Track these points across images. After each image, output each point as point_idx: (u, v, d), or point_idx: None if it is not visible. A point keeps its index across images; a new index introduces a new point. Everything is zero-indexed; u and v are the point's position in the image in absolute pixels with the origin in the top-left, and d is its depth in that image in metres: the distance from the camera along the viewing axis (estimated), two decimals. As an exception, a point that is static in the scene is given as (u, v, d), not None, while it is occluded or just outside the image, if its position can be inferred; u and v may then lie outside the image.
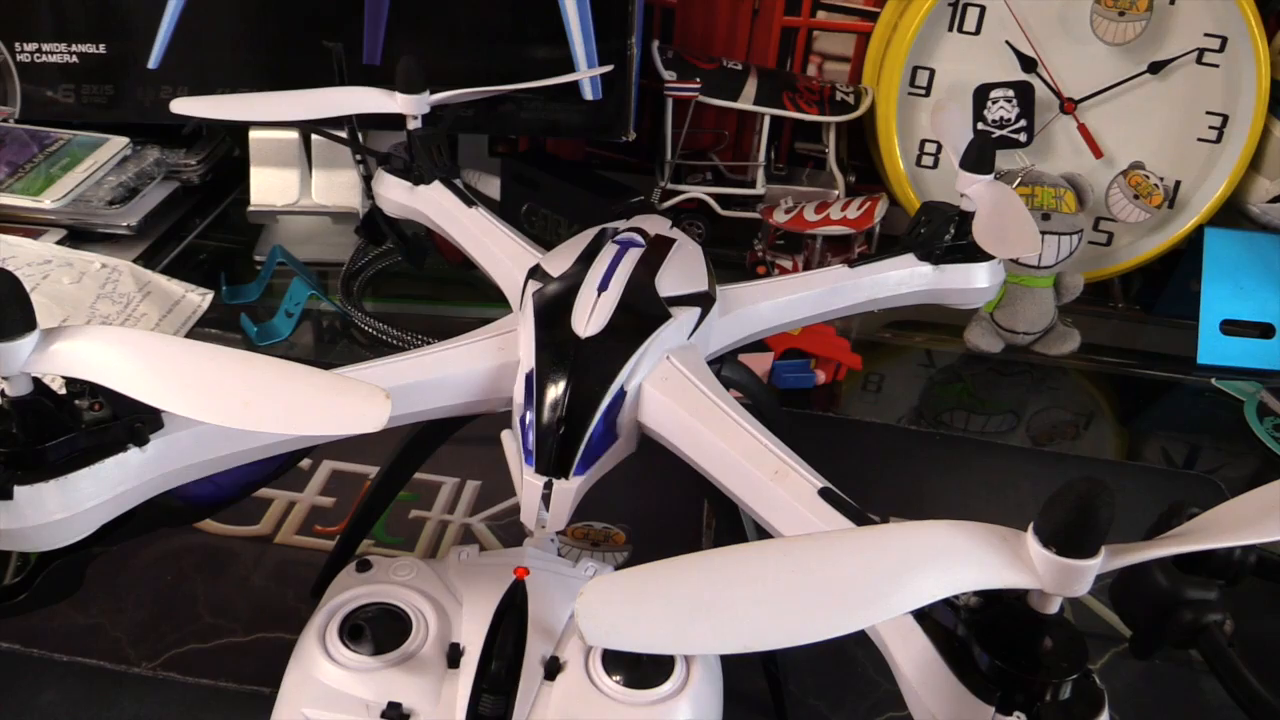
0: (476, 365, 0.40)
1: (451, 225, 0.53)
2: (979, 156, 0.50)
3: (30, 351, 0.30)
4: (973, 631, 0.28)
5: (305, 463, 0.57)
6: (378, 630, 0.36)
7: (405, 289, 0.77)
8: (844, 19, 0.84)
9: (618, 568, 0.50)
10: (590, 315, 0.40)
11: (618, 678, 0.35)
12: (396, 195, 0.55)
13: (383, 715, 0.34)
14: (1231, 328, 0.76)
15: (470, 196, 0.53)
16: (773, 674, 0.45)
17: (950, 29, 0.78)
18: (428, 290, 0.77)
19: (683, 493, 0.57)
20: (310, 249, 0.78)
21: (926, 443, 0.66)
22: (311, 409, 0.31)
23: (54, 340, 0.31)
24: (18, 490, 0.30)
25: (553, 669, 0.35)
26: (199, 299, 0.69)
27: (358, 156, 0.65)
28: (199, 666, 0.46)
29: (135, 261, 0.71)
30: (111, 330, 0.31)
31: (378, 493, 0.47)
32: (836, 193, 0.81)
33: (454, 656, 0.35)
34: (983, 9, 0.77)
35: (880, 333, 0.78)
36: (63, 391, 0.32)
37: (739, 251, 0.81)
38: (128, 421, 0.33)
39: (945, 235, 0.50)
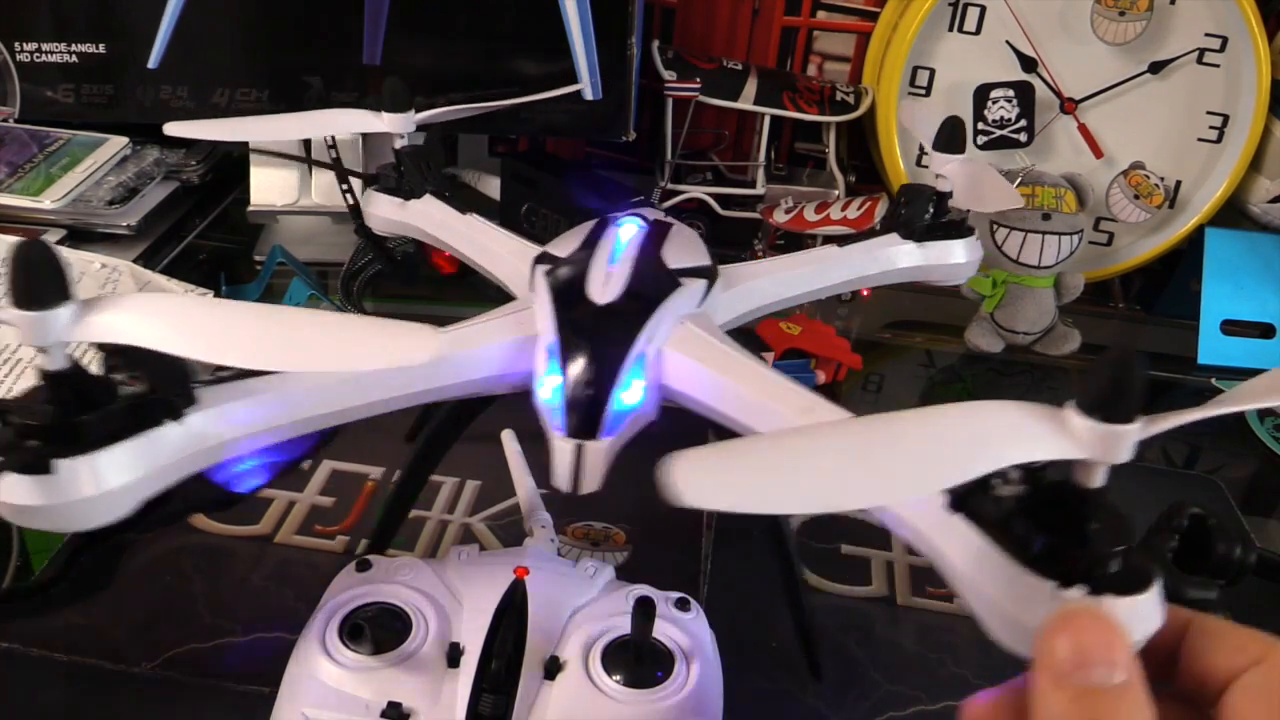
0: (495, 341, 0.40)
1: (447, 234, 0.53)
2: (950, 137, 0.52)
3: (67, 321, 0.30)
4: (1022, 517, 0.28)
5: (305, 463, 0.57)
6: (378, 630, 0.36)
7: (405, 289, 0.77)
8: (844, 19, 0.84)
9: (618, 568, 0.50)
10: (605, 285, 0.40)
11: (617, 677, 0.35)
12: (387, 212, 0.55)
13: (383, 715, 0.34)
14: (1232, 328, 0.76)
15: (463, 205, 0.54)
16: (803, 625, 0.46)
17: (950, 29, 0.78)
18: (428, 290, 0.77)
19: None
20: (310, 249, 0.78)
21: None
22: (364, 345, 0.31)
23: (92, 309, 0.30)
24: (58, 464, 0.30)
25: (553, 669, 0.35)
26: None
27: (344, 186, 0.65)
28: (199, 666, 0.46)
29: (135, 261, 0.71)
30: (150, 295, 0.31)
31: (406, 483, 0.47)
32: (836, 193, 0.81)
33: (454, 656, 0.35)
34: (983, 9, 0.77)
35: (880, 333, 0.78)
36: (98, 368, 0.32)
37: (739, 251, 0.81)
38: (164, 395, 0.32)
39: (925, 214, 0.52)
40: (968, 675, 0.48)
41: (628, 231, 0.44)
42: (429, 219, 0.54)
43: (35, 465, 0.30)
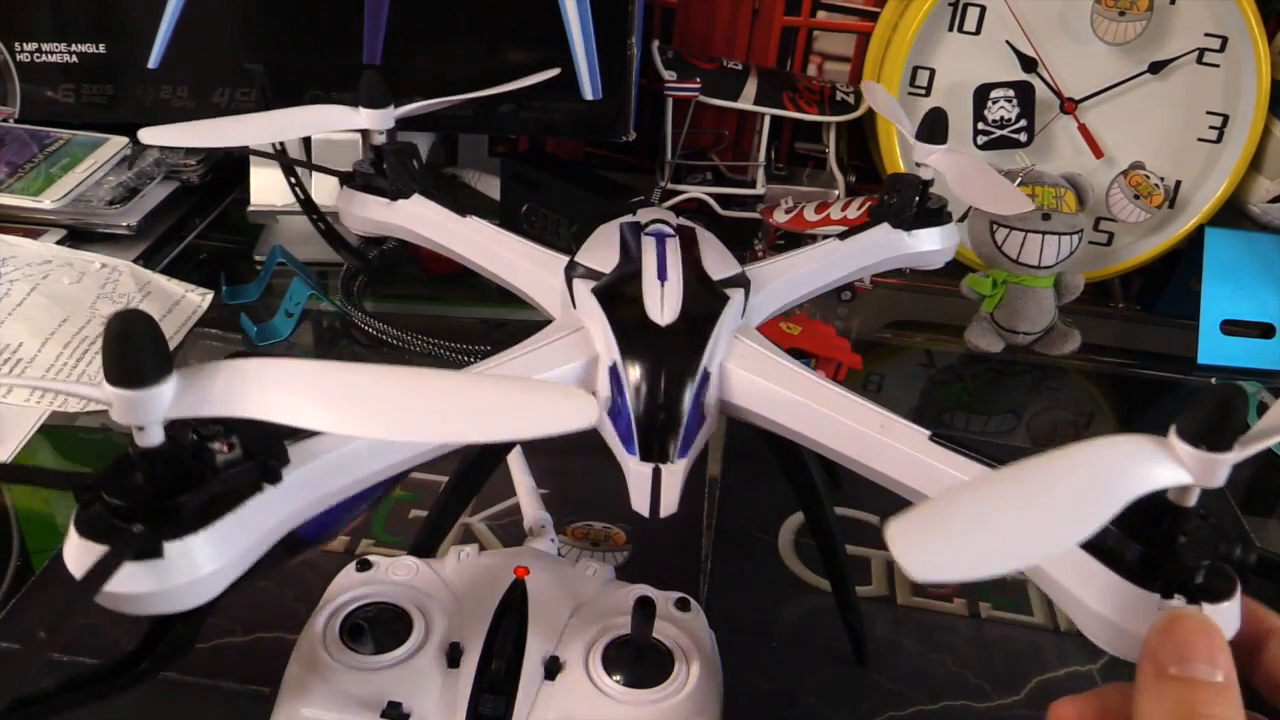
0: (559, 368, 0.40)
1: (446, 236, 0.52)
2: (933, 128, 0.53)
3: (171, 398, 0.27)
4: (1123, 533, 0.30)
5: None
6: (378, 630, 0.36)
7: (405, 289, 0.77)
8: (844, 19, 0.84)
9: (618, 568, 0.50)
10: (662, 304, 0.40)
11: (618, 677, 0.35)
12: (372, 213, 0.53)
13: (383, 715, 0.34)
14: (1232, 328, 0.76)
15: (460, 206, 0.53)
16: (851, 623, 0.47)
17: (950, 29, 0.78)
18: (427, 290, 0.77)
19: (683, 493, 0.57)
20: (310, 249, 0.77)
21: (927, 443, 0.66)
22: (526, 413, 0.29)
23: (197, 381, 0.28)
24: (167, 547, 0.28)
25: (553, 669, 0.35)
26: (199, 299, 0.70)
27: (291, 179, 0.62)
28: (199, 666, 0.46)
29: (135, 261, 0.71)
30: (260, 362, 0.29)
31: (455, 492, 0.47)
32: (836, 193, 0.81)
33: (454, 656, 0.35)
34: (983, 9, 0.77)
35: (880, 333, 0.78)
36: (189, 433, 0.30)
37: (739, 252, 0.81)
38: (260, 459, 0.30)
39: (913, 203, 0.53)
40: (968, 675, 0.48)
41: (664, 242, 0.44)
42: (422, 220, 0.52)
43: (147, 550, 0.28)
